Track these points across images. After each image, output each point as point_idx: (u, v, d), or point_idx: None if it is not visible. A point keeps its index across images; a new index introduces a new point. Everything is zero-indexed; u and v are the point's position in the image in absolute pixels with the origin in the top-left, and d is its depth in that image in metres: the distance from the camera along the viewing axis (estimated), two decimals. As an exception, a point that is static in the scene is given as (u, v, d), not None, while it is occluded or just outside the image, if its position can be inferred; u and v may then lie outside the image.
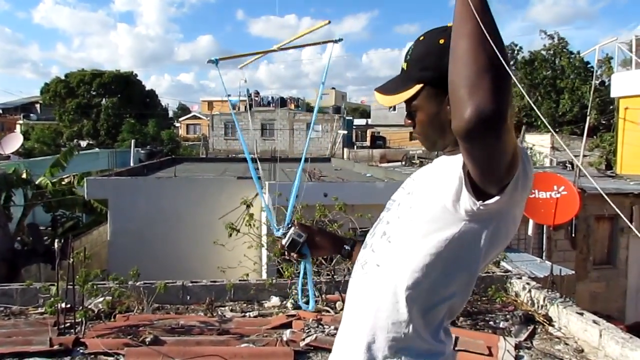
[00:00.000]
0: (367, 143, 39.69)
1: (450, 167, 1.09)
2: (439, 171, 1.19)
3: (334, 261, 4.91)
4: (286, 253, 1.51)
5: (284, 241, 1.49)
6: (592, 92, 19.14)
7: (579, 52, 29.28)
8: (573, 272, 7.17)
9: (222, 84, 1.76)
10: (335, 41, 1.67)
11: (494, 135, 0.92)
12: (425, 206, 1.16)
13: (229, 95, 1.79)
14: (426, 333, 1.20)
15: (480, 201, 1.03)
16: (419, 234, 1.16)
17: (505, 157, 0.97)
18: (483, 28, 0.93)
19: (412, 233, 1.18)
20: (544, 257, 8.04)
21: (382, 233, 1.27)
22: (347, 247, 1.55)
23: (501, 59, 0.92)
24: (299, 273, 1.57)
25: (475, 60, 0.93)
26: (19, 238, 10.62)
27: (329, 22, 1.66)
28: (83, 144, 35.03)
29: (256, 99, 38.50)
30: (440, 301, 1.19)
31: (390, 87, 1.29)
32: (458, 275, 1.18)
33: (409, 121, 1.29)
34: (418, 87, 1.22)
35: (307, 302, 1.72)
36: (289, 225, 1.53)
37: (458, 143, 1.02)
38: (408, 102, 1.26)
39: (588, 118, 13.64)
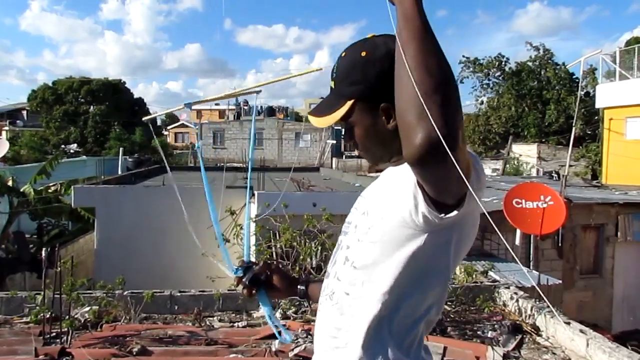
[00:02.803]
0: (356, 153, 39.68)
1: (401, 180, 1.06)
2: (389, 185, 1.16)
3: (323, 271, 4.91)
4: (244, 288, 1.47)
5: (244, 278, 1.46)
6: (577, 103, 19.37)
7: (564, 64, 29.70)
8: (560, 281, 7.23)
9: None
10: (257, 92, 1.76)
11: (447, 159, 0.89)
12: (384, 225, 1.11)
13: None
14: (407, 355, 1.15)
15: (443, 214, 1.00)
16: (384, 254, 1.11)
17: (459, 175, 0.94)
18: (423, 53, 0.93)
19: (376, 255, 1.13)
20: (531, 267, 8.08)
21: (344, 259, 1.20)
22: (301, 288, 1.50)
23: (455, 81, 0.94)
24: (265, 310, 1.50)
25: (421, 85, 0.91)
26: (3, 246, 10.49)
27: (322, 69, 1.76)
28: (72, 147, 34.66)
29: (245, 108, 38.50)
30: (418, 319, 1.16)
31: (323, 109, 1.26)
32: (431, 287, 1.15)
33: (350, 141, 1.26)
34: (350, 103, 1.19)
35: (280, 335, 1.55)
36: (249, 263, 1.50)
37: (402, 152, 1.01)
38: (344, 120, 1.22)
39: (574, 129, 13.78)
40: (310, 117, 1.30)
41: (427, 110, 0.89)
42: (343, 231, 1.28)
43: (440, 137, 0.87)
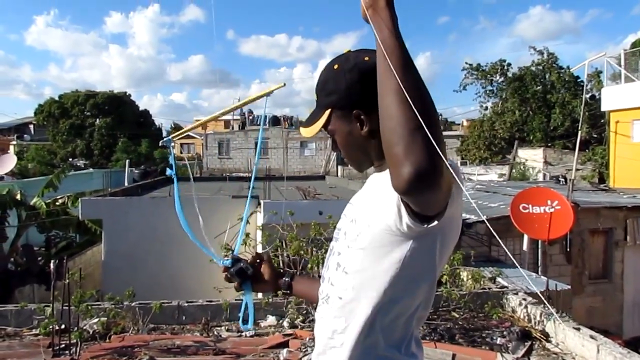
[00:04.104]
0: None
1: (385, 188, 1.09)
2: (375, 193, 1.21)
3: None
4: (230, 278, 1.51)
5: (232, 269, 1.50)
6: (582, 107, 19.32)
7: (568, 67, 29.63)
8: (569, 286, 7.16)
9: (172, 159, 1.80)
10: (268, 94, 1.61)
11: (434, 188, 0.96)
12: (372, 232, 1.17)
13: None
14: (399, 350, 1.22)
15: (425, 224, 1.05)
16: (373, 259, 1.18)
17: (443, 196, 1.01)
18: (405, 86, 0.95)
19: (366, 260, 1.19)
20: (539, 272, 8.03)
21: (336, 265, 1.28)
22: (285, 279, 1.57)
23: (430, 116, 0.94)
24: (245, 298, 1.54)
25: (407, 120, 0.94)
26: (12, 259, 10.53)
27: (284, 85, 1.70)
28: (80, 162, 34.87)
29: (249, 118, 38.61)
30: (408, 318, 1.22)
31: (309, 120, 1.36)
32: (419, 288, 1.20)
33: (336, 150, 1.35)
34: (327, 112, 1.29)
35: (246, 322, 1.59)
36: (237, 256, 1.53)
37: (383, 157, 1.09)
38: (325, 128, 1.32)
39: (579, 132, 13.76)
40: (301, 129, 1.41)
41: (413, 146, 0.93)
42: (334, 237, 1.35)
43: (427, 170, 0.92)
